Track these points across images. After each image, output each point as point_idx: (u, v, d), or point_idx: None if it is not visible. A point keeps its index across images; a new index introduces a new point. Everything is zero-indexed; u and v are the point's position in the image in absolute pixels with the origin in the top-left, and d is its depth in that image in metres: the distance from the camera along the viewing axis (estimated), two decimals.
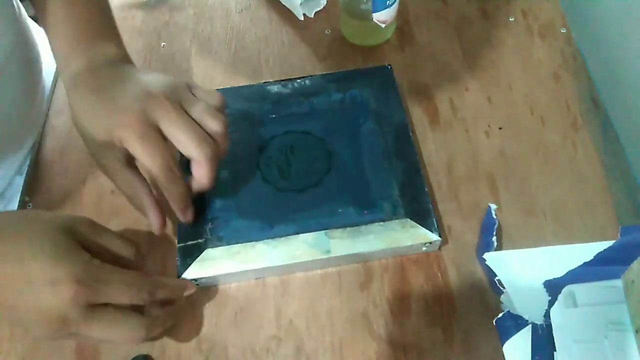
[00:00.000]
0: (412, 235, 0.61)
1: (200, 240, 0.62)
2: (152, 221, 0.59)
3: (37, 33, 0.79)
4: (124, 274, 0.50)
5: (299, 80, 0.73)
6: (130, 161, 0.57)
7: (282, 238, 0.61)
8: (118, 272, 0.50)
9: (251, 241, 0.61)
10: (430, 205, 0.62)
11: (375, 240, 0.61)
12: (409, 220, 0.61)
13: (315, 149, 0.67)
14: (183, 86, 0.57)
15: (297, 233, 0.61)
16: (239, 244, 0.61)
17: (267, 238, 0.61)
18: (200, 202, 0.63)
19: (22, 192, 0.69)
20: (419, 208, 0.62)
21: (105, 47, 0.60)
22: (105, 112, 0.54)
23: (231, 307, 0.61)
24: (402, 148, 0.66)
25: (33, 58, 0.76)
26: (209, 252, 0.61)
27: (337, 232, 0.61)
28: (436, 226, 0.61)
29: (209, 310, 0.60)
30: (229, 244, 0.61)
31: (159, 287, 0.53)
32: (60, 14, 0.60)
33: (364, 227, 0.61)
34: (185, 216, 0.60)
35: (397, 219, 0.62)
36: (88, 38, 0.60)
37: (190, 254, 0.61)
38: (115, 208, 0.67)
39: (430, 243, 0.61)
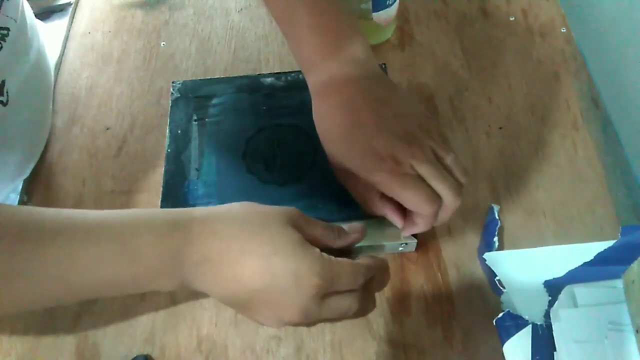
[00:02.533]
0: (389, 235, 0.61)
1: None
2: (397, 223, 0.58)
3: (45, 41, 0.78)
4: (347, 265, 0.51)
5: (292, 74, 0.73)
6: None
7: None
8: (343, 263, 0.51)
9: None
10: None
11: None
12: (386, 219, 0.61)
13: (301, 143, 0.67)
14: (434, 126, 0.57)
15: None
16: None
17: None
18: (183, 187, 0.65)
19: (21, 191, 0.69)
20: None
21: (350, 49, 0.59)
22: (360, 147, 0.55)
23: None
24: None
25: (46, 83, 0.75)
26: None
27: None
28: None
29: (209, 310, 0.60)
30: None
31: (369, 270, 0.53)
32: (305, 20, 0.59)
33: (342, 223, 0.61)
34: (406, 232, 0.58)
35: (375, 217, 0.62)
36: (334, 41, 0.59)
37: None
38: (115, 208, 0.67)
39: (407, 244, 0.61)
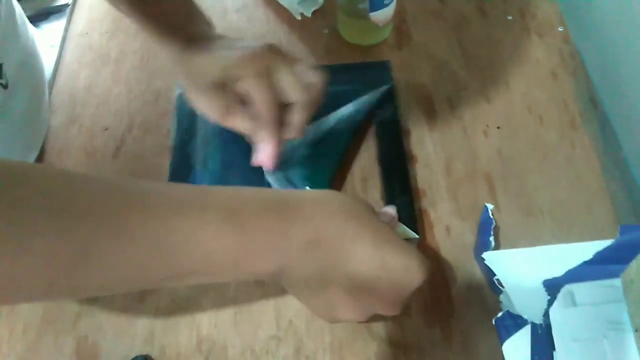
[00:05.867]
0: None
1: None
2: (267, 150, 0.61)
3: (41, 45, 0.78)
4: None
5: None
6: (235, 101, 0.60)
7: None
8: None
9: None
10: (412, 203, 0.63)
11: None
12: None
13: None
14: (284, 50, 0.61)
15: None
16: None
17: None
18: (188, 178, 0.66)
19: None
20: (401, 205, 0.63)
21: (202, 26, 0.65)
22: (220, 56, 0.59)
23: (231, 307, 0.61)
24: (390, 145, 0.67)
25: (40, 71, 0.75)
26: None
27: None
28: (415, 224, 0.62)
29: (209, 311, 0.60)
30: None
31: None
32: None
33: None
34: (270, 162, 0.61)
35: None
36: (185, 18, 0.64)
37: None
38: None
39: (408, 240, 0.61)
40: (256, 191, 0.47)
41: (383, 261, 0.46)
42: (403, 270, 0.47)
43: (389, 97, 0.70)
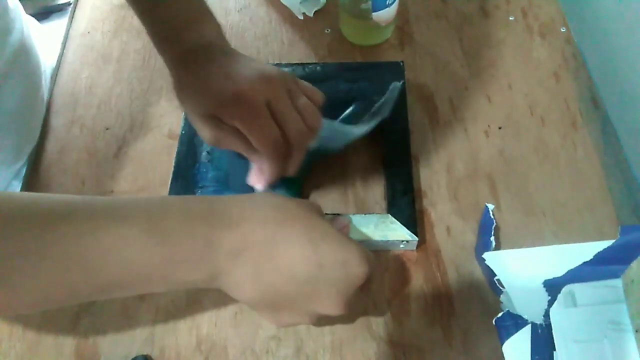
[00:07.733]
0: (390, 232, 0.61)
1: None
2: (268, 169, 0.59)
3: (38, 38, 0.78)
4: (375, 256, 0.51)
5: (310, 66, 0.74)
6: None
7: None
8: (372, 255, 0.51)
9: None
10: (414, 205, 0.63)
11: (353, 229, 0.61)
12: (389, 216, 0.62)
13: None
14: (291, 77, 0.59)
15: None
16: None
17: None
18: (193, 169, 0.66)
19: (21, 192, 0.69)
20: (402, 206, 0.63)
21: (204, 30, 0.60)
22: (216, 87, 0.55)
23: (231, 307, 0.61)
24: (398, 147, 0.67)
25: (34, 65, 0.76)
26: None
27: None
28: (415, 226, 0.61)
29: (209, 310, 0.60)
30: None
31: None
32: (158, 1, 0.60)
33: (344, 215, 0.62)
34: (262, 185, 0.61)
35: (378, 212, 0.62)
36: (186, 22, 0.60)
37: None
38: None
39: (407, 242, 0.61)
40: (181, 199, 0.46)
41: (320, 259, 0.45)
42: (341, 266, 0.45)
43: (400, 97, 0.70)
